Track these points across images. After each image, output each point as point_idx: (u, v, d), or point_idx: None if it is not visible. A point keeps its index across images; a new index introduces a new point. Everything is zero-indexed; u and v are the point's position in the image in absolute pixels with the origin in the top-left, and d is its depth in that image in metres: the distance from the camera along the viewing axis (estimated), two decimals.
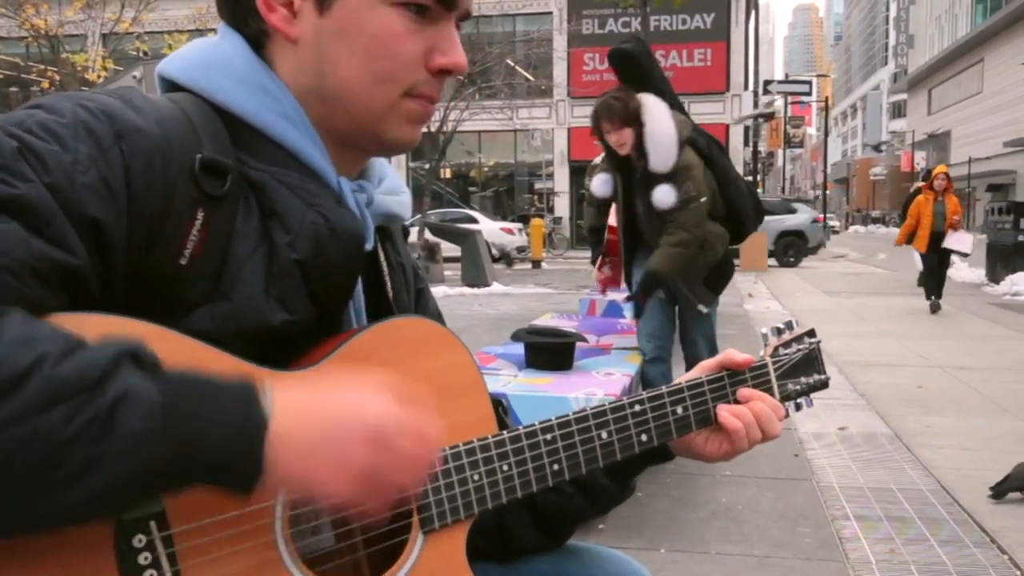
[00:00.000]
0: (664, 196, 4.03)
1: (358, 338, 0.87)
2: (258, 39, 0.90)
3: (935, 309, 11.43)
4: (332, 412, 0.73)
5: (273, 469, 0.69)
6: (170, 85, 0.90)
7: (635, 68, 4.19)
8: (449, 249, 16.78)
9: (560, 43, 27.53)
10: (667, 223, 4.08)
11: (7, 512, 0.61)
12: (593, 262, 5.02)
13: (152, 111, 0.79)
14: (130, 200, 0.74)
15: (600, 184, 4.42)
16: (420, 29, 0.88)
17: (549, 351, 3.96)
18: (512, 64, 24.55)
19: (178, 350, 0.73)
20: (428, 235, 16.46)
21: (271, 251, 0.83)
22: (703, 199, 4.10)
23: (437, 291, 13.73)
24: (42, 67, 21.43)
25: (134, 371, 0.65)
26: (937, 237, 11.22)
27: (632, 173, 4.18)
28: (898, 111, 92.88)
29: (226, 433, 0.68)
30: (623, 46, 4.29)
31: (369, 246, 0.94)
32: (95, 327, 0.70)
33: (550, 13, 29.27)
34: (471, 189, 33.34)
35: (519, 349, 4.14)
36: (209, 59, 0.89)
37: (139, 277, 0.76)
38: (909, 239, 11.62)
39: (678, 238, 4.08)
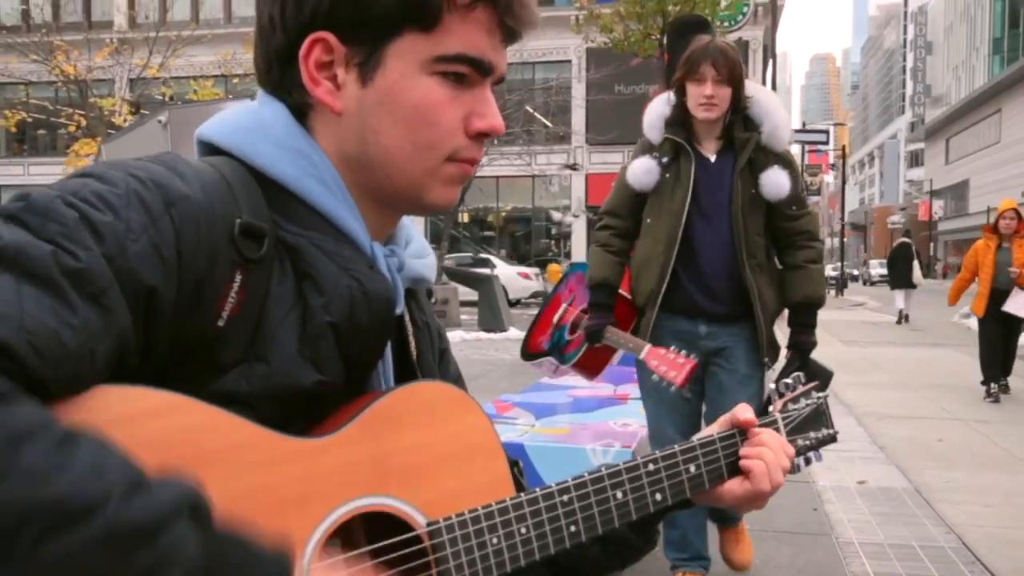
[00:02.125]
0: (780, 181, 2.97)
1: (380, 402, 0.88)
2: (301, 109, 0.92)
3: (997, 396, 8.27)
4: None
5: None
6: (208, 148, 0.92)
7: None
8: (466, 293, 16.83)
9: (579, 91, 27.82)
10: (786, 232, 3.06)
11: None
12: (596, 337, 3.16)
13: (196, 177, 0.81)
14: (180, 266, 0.76)
15: (643, 172, 3.07)
16: (458, 96, 0.91)
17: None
18: (531, 111, 24.83)
19: (203, 419, 0.75)
20: (444, 277, 16.53)
21: (305, 313, 0.85)
22: None
23: (453, 336, 13.76)
24: (70, 111, 21.87)
25: (187, 528, 0.64)
26: (1000, 296, 8.28)
27: (699, 163, 3.03)
28: (916, 160, 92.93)
29: None
30: (692, 16, 3.84)
31: (400, 310, 0.96)
32: (126, 399, 0.71)
33: (569, 61, 29.61)
34: (488, 233, 33.51)
35: (536, 398, 4.14)
36: (251, 124, 0.91)
37: (177, 340, 0.78)
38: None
39: (817, 251, 3.10)
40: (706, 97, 2.94)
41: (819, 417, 1.22)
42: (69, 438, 0.62)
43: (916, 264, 17.80)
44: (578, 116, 29.04)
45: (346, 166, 0.92)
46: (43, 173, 31.65)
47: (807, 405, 1.20)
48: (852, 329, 17.19)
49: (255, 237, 0.83)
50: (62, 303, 0.67)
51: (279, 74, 0.92)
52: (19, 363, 0.63)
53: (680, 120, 3.06)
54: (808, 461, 1.21)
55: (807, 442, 1.19)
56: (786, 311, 3.15)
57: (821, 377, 2.49)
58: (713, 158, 3.06)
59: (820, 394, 1.22)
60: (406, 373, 1.01)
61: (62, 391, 0.66)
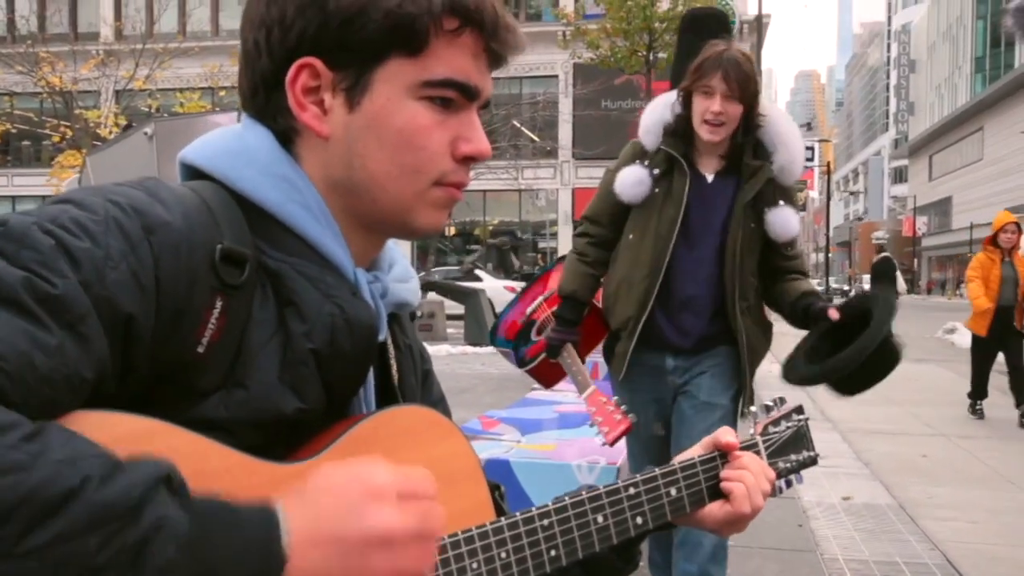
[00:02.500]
0: (789, 221, 2.72)
1: (359, 427, 0.87)
2: (286, 134, 0.91)
3: (983, 412, 8.23)
4: (344, 534, 0.72)
5: None
6: (191, 171, 0.92)
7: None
8: (452, 307, 16.80)
9: (565, 106, 27.95)
10: (779, 270, 2.79)
11: None
12: (554, 352, 2.93)
13: (176, 203, 0.81)
14: (158, 293, 0.76)
15: (634, 182, 2.75)
16: (445, 120, 0.90)
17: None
18: (518, 125, 24.92)
19: (182, 445, 0.74)
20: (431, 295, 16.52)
21: (286, 339, 0.85)
22: None
23: (440, 349, 13.74)
24: (55, 122, 21.78)
25: (167, 499, 0.65)
26: (1005, 315, 7.88)
27: (695, 182, 2.72)
28: (900, 176, 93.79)
29: (249, 570, 0.68)
30: (711, 11, 3.44)
31: (382, 337, 0.95)
32: (104, 425, 0.70)
33: (556, 77, 29.76)
34: (475, 247, 33.55)
35: (522, 413, 4.13)
36: (235, 149, 0.90)
37: (156, 366, 0.77)
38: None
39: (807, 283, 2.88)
40: (713, 113, 2.61)
41: (800, 439, 1.21)
42: (38, 432, 0.63)
43: (899, 274, 17.98)
44: (565, 131, 29.17)
45: (333, 191, 0.91)
46: (27, 184, 31.49)
47: (788, 428, 1.20)
48: None
49: (236, 263, 0.82)
50: (36, 329, 0.67)
51: (264, 99, 0.91)
52: None
53: (681, 131, 2.73)
54: (789, 483, 1.21)
55: (788, 464, 1.19)
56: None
57: (887, 305, 2.53)
58: (711, 178, 2.74)
59: (800, 416, 1.23)
60: (388, 397, 1.00)
61: (35, 415, 0.66)
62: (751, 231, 2.71)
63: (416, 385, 1.07)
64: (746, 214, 2.69)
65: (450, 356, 13.55)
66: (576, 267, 2.92)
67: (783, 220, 2.71)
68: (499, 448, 3.62)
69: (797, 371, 2.61)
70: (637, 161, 2.78)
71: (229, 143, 0.91)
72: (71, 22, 32.33)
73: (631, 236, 2.81)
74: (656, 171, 2.75)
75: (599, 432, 2.64)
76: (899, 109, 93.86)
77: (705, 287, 2.73)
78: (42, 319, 0.67)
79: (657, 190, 2.75)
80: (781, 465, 1.18)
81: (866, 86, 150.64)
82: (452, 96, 0.90)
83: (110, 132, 19.46)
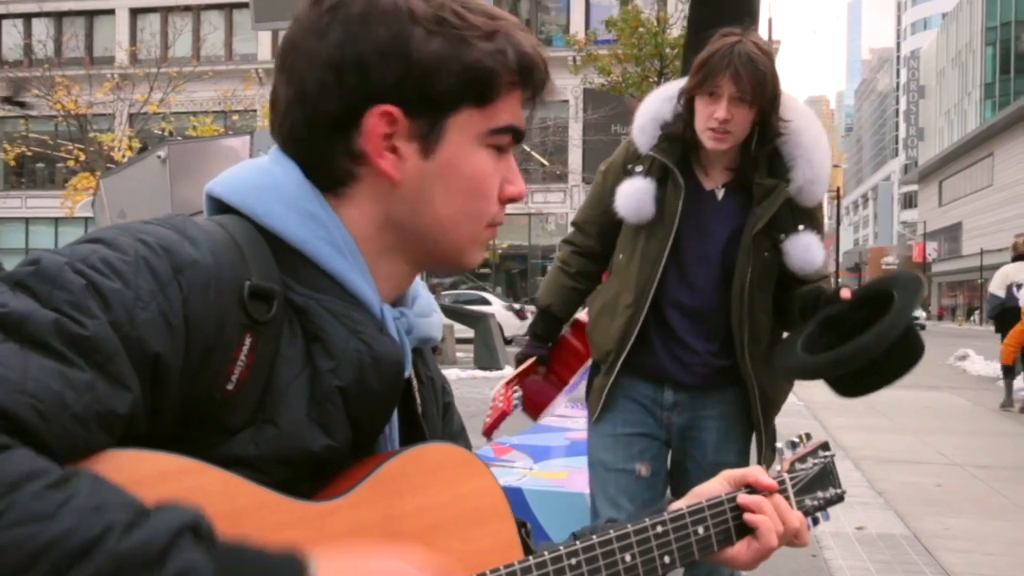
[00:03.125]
0: (811, 251, 2.26)
1: (387, 466, 0.88)
2: (339, 175, 0.91)
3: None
4: None
5: None
6: (218, 203, 0.92)
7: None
8: (461, 331, 16.80)
9: (575, 130, 28.09)
10: (803, 307, 2.27)
11: None
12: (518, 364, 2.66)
13: (205, 240, 0.82)
14: (188, 332, 0.77)
15: (635, 194, 2.30)
16: (497, 165, 0.95)
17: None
18: (528, 149, 25.03)
19: (211, 483, 0.75)
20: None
21: (314, 376, 0.85)
22: None
23: (449, 373, 13.71)
24: (70, 145, 21.99)
25: (193, 546, 0.65)
26: None
27: (693, 196, 2.29)
28: (909, 202, 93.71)
29: None
30: None
31: (408, 372, 0.96)
32: (134, 463, 0.71)
33: (566, 101, 29.93)
34: (484, 271, 33.61)
35: (533, 440, 4.12)
36: (262, 183, 0.91)
37: (186, 404, 0.78)
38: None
39: None
40: (718, 120, 2.15)
41: (826, 476, 1.21)
42: (66, 479, 0.63)
43: None
44: (575, 155, 29.29)
45: (387, 230, 0.93)
46: (41, 206, 31.77)
47: (815, 464, 1.19)
48: None
49: (265, 299, 0.83)
50: (68, 369, 0.68)
51: (323, 139, 0.90)
52: (21, 426, 0.64)
53: (679, 134, 2.27)
54: (816, 521, 1.20)
55: (815, 502, 1.18)
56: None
57: (913, 283, 2.06)
58: (720, 193, 2.30)
59: (827, 453, 1.22)
60: (413, 431, 1.01)
61: (69, 455, 0.67)
62: (763, 262, 2.26)
63: (438, 417, 1.07)
64: (756, 243, 2.24)
65: (460, 380, 13.52)
66: (556, 278, 2.59)
67: (804, 248, 2.25)
68: (512, 476, 3.61)
69: (793, 358, 2.14)
70: (630, 166, 2.35)
71: (256, 178, 0.92)
72: (87, 47, 32.80)
73: (620, 256, 2.41)
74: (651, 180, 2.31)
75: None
76: (909, 135, 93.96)
77: (703, 321, 2.32)
78: (73, 360, 0.68)
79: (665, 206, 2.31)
80: (808, 503, 1.17)
81: (875, 111, 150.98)
82: (507, 142, 0.94)
83: (123, 155, 19.63)
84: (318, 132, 0.90)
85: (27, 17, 31.04)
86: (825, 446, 1.23)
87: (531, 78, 0.93)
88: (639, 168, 2.32)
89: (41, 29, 30.10)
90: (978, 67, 67.36)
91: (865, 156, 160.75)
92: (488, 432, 2.57)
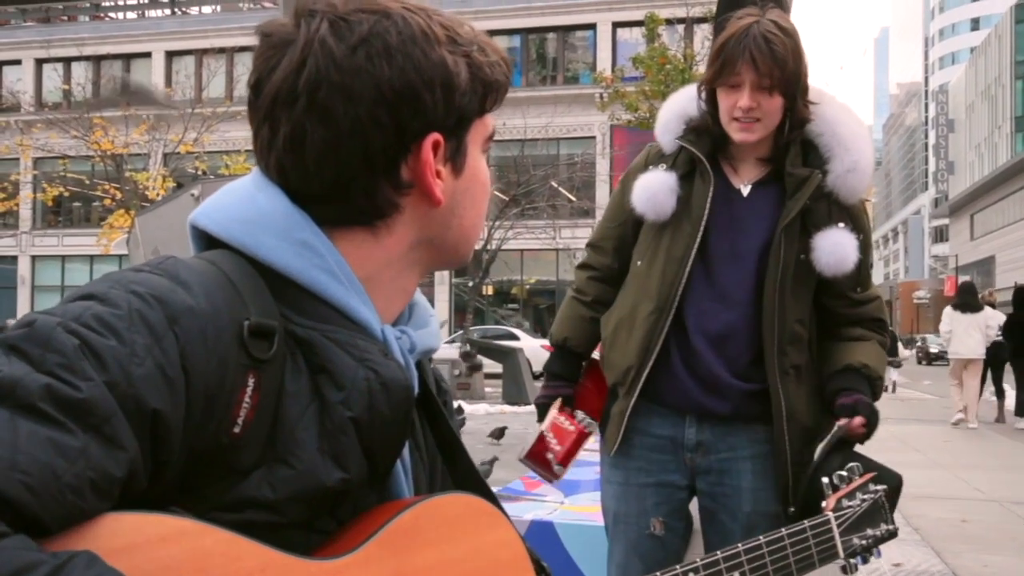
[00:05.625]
0: (844, 248, 2.02)
1: (401, 518, 0.84)
2: (383, 211, 0.90)
3: None
4: None
5: None
6: (204, 235, 0.90)
7: None
8: (490, 366, 16.80)
9: (603, 166, 28.17)
10: (844, 319, 2.12)
11: None
12: (542, 412, 2.24)
13: (198, 283, 0.79)
14: (187, 384, 0.74)
15: (651, 186, 2.11)
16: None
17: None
18: (555, 185, 25.14)
19: (213, 545, 0.73)
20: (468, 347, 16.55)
21: (322, 408, 0.83)
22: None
23: (477, 408, 13.69)
24: (106, 184, 22.43)
25: None
26: None
27: (722, 191, 2.09)
28: (940, 236, 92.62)
29: None
30: None
31: (415, 392, 0.93)
32: (131, 528, 0.70)
33: (593, 138, 30.06)
34: (512, 306, 33.60)
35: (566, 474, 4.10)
36: (249, 216, 0.87)
37: (192, 452, 0.76)
38: None
39: (884, 340, 2.19)
40: (743, 110, 1.98)
41: (877, 512, 1.15)
42: (57, 570, 0.62)
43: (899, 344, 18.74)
44: (602, 191, 29.26)
45: (419, 248, 0.95)
46: (77, 244, 32.30)
47: (864, 500, 1.14)
48: (880, 406, 16.88)
49: (265, 336, 0.81)
50: (59, 435, 0.66)
51: (367, 175, 0.88)
52: (10, 504, 0.63)
53: (706, 128, 2.09)
54: (866, 560, 1.13)
55: (864, 541, 1.12)
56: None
57: (886, 481, 1.61)
58: (746, 190, 2.09)
59: (878, 487, 1.15)
60: (447, 444, 1.00)
61: (62, 524, 0.66)
62: (799, 264, 2.03)
63: (451, 418, 1.06)
64: (788, 240, 2.02)
65: (488, 415, 13.49)
66: (572, 308, 2.31)
67: (833, 245, 2.01)
68: (543, 509, 3.60)
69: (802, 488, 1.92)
70: (652, 167, 2.15)
71: (242, 209, 0.88)
72: (124, 89, 33.52)
73: (639, 263, 2.17)
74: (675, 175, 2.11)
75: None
76: (938, 168, 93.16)
77: (733, 336, 2.06)
78: (65, 425, 0.67)
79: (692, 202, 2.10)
80: (856, 542, 1.11)
81: (904, 145, 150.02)
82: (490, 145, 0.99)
83: (158, 193, 20.00)
84: (365, 169, 0.87)
85: (67, 61, 31.88)
86: (877, 479, 1.18)
87: (506, 84, 0.96)
88: (665, 167, 2.13)
89: (80, 72, 30.89)
90: (1008, 101, 66.76)
91: (894, 190, 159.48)
92: (565, 461, 2.14)
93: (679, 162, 2.12)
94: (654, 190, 2.10)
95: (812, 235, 2.03)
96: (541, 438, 2.18)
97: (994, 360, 11.97)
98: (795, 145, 2.05)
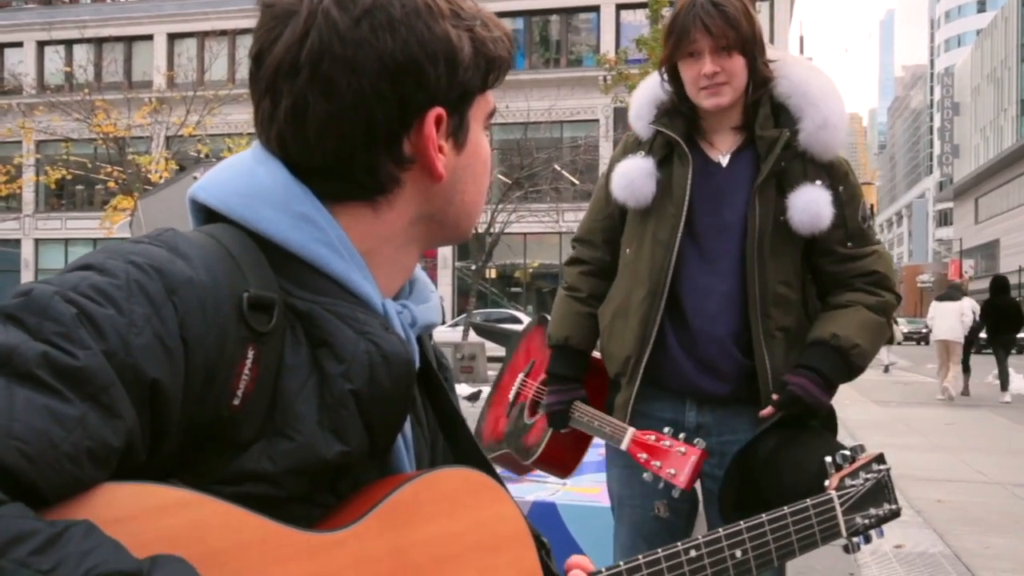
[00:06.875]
0: (817, 205, 2.01)
1: (401, 492, 0.84)
2: (385, 186, 0.89)
3: None
4: None
5: None
6: (203, 209, 0.89)
7: None
8: (492, 349, 16.82)
9: (606, 149, 28.11)
10: (840, 276, 2.09)
11: None
12: (560, 420, 2.24)
13: (198, 255, 0.78)
14: (186, 355, 0.74)
15: (629, 173, 2.14)
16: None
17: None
18: (558, 168, 25.09)
19: (212, 516, 0.72)
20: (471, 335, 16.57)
21: (322, 381, 0.82)
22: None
23: (480, 391, 13.71)
24: (108, 167, 22.41)
25: None
26: None
27: (701, 168, 2.09)
28: (944, 219, 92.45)
29: None
30: None
31: (416, 366, 0.92)
32: (129, 498, 0.69)
33: (597, 120, 29.98)
34: (515, 290, 33.62)
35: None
36: (249, 189, 0.86)
37: (192, 424, 0.75)
38: None
39: (884, 301, 2.08)
40: (707, 76, 1.99)
41: (880, 491, 1.14)
42: (54, 538, 0.61)
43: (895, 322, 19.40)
44: None
45: (419, 224, 0.94)
46: (80, 227, 32.37)
47: (867, 479, 1.13)
48: (884, 389, 16.94)
49: (265, 308, 0.80)
50: (57, 404, 0.66)
51: (369, 149, 0.87)
52: (7, 472, 0.63)
53: (677, 109, 2.11)
54: (868, 539, 1.13)
55: (867, 520, 1.11)
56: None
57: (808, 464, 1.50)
58: (725, 160, 2.10)
59: (882, 466, 1.14)
60: (445, 416, 1.01)
61: (60, 493, 0.66)
62: (778, 225, 2.03)
63: (451, 392, 1.06)
64: (764, 201, 2.02)
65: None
66: (568, 306, 2.28)
67: (807, 203, 2.00)
68: (544, 491, 3.61)
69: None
70: (630, 155, 2.17)
71: (242, 182, 0.87)
72: (125, 71, 33.48)
73: (627, 251, 2.18)
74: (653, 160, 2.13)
75: (662, 481, 1.93)
76: (943, 152, 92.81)
77: (730, 304, 2.06)
78: (63, 393, 0.66)
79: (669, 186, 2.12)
80: (859, 521, 1.10)
81: (909, 128, 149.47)
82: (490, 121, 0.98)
83: (160, 176, 19.98)
84: (367, 143, 0.86)
85: (68, 44, 31.79)
86: (880, 459, 1.16)
87: (509, 60, 0.96)
88: (643, 153, 2.15)
89: (82, 55, 30.81)
90: (1014, 84, 66.45)
91: (899, 173, 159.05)
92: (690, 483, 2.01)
93: (656, 147, 2.14)
94: (632, 177, 2.12)
95: (787, 195, 2.03)
96: (556, 440, 2.24)
97: (965, 342, 14.45)
98: (764, 107, 2.07)
